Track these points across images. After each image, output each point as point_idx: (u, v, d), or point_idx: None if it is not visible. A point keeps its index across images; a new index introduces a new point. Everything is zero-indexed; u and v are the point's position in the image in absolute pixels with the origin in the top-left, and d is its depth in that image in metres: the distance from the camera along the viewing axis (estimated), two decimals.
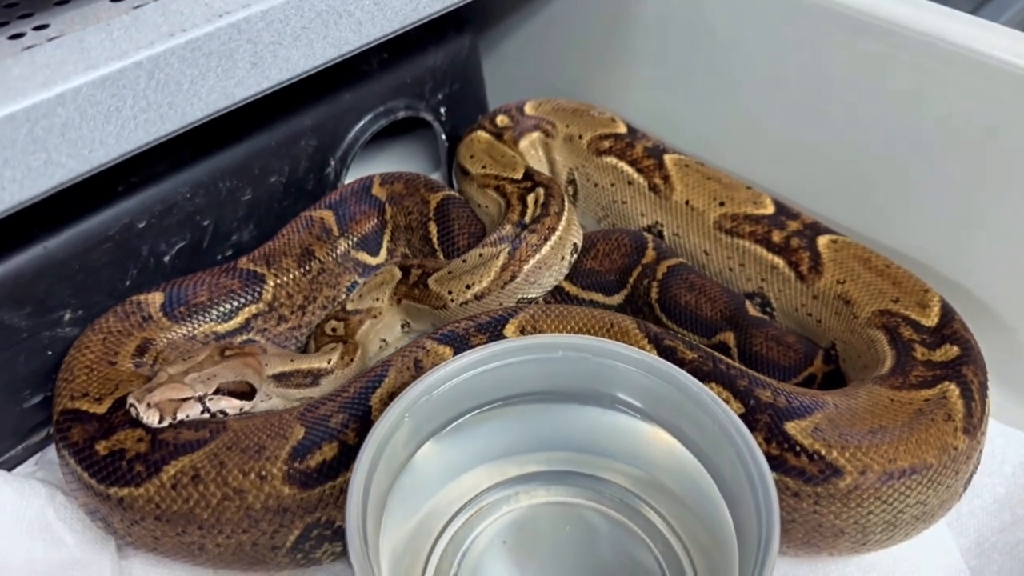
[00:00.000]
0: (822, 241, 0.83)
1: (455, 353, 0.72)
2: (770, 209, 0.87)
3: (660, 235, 0.93)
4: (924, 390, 0.68)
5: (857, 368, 0.76)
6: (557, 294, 0.87)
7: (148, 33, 0.58)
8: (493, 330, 0.75)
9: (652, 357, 0.65)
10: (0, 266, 0.73)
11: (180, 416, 0.68)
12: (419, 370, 0.72)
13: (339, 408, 0.70)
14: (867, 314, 0.77)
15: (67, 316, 0.78)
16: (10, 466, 0.79)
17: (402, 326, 0.87)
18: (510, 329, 0.75)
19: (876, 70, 0.81)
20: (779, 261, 0.84)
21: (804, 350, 0.79)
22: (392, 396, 0.66)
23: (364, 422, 0.69)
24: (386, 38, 0.74)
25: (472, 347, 0.66)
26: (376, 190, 0.93)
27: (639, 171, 0.93)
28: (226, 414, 0.71)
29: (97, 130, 0.57)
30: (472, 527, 0.67)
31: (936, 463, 0.64)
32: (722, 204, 0.88)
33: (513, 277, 0.81)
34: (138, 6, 0.64)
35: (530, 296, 0.83)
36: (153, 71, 0.58)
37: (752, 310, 0.83)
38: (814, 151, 0.89)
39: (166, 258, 0.84)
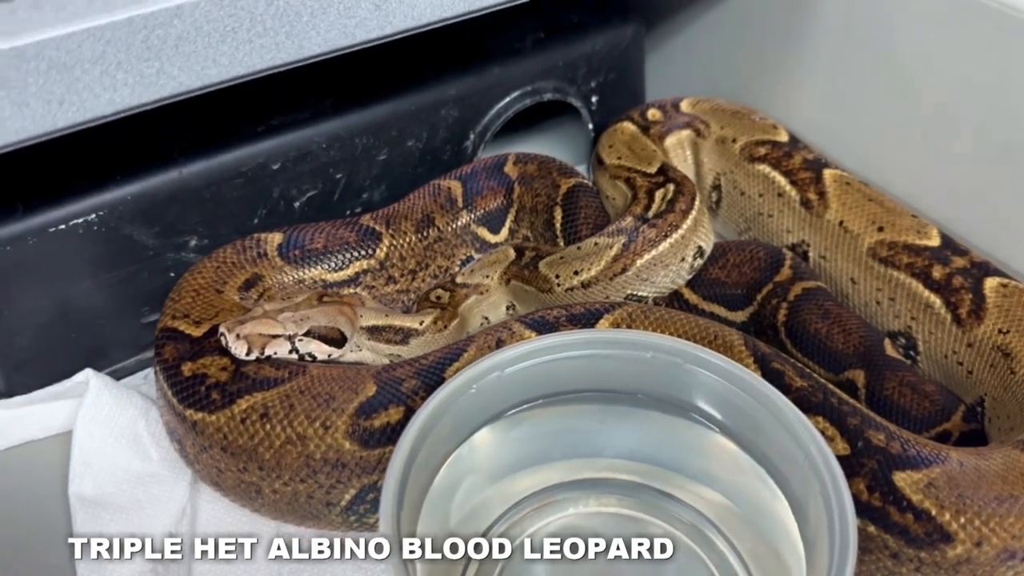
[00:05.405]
0: (990, 283, 0.71)
1: None
2: (935, 241, 0.76)
3: (804, 256, 0.84)
4: None
5: (1003, 430, 0.65)
6: (675, 301, 0.81)
7: None
8: (586, 322, 0.70)
9: (750, 374, 0.58)
10: (136, 184, 0.77)
11: (268, 352, 0.68)
12: None
13: (414, 374, 0.68)
14: None
15: (193, 242, 0.81)
16: (121, 375, 0.83)
17: (507, 307, 0.84)
18: (604, 324, 0.70)
19: None
20: (936, 300, 0.73)
21: (943, 402, 0.69)
22: None
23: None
24: (517, 2, 0.71)
25: None
26: (508, 168, 0.90)
27: (793, 183, 0.85)
28: (314, 358, 0.71)
29: (211, 48, 0.58)
30: (526, 525, 0.62)
31: None
32: (881, 229, 0.78)
33: (624, 270, 0.76)
34: None
35: (640, 294, 0.78)
36: None
37: (891, 350, 0.73)
38: (994, 186, 0.77)
39: (296, 203, 0.86)
